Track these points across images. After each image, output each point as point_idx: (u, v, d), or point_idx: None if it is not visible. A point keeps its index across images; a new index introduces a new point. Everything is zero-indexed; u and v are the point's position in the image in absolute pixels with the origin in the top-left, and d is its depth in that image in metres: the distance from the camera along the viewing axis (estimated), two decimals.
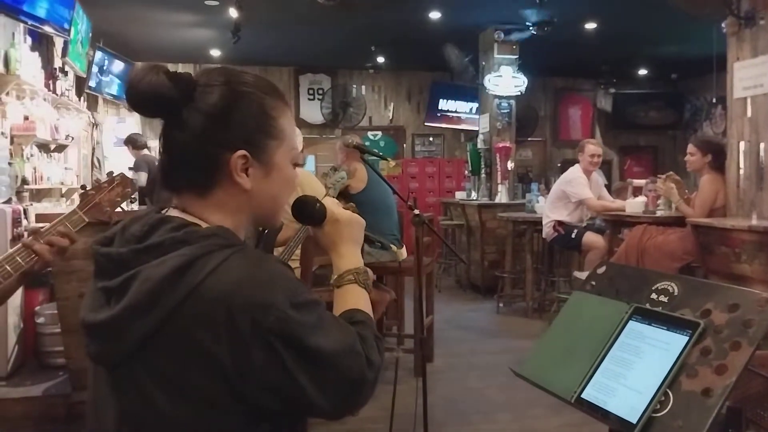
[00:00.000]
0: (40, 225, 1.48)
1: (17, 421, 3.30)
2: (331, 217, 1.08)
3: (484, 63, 7.23)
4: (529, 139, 9.72)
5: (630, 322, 1.23)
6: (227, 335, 0.80)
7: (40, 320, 3.92)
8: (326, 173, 3.19)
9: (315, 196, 1.10)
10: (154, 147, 6.86)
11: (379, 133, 9.67)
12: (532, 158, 9.97)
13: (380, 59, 8.29)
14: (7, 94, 4.59)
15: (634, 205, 4.63)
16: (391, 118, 9.78)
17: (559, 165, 9.67)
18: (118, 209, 1.64)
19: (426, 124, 9.67)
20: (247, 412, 0.83)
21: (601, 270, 1.44)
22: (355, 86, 9.48)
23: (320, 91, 9.39)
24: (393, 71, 9.27)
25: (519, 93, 7.12)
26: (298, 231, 2.87)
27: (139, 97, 0.88)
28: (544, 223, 5.23)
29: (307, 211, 1.08)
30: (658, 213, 4.43)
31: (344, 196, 3.54)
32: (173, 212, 0.92)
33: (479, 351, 4.68)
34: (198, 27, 6.88)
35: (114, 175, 1.66)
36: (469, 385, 3.95)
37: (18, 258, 1.43)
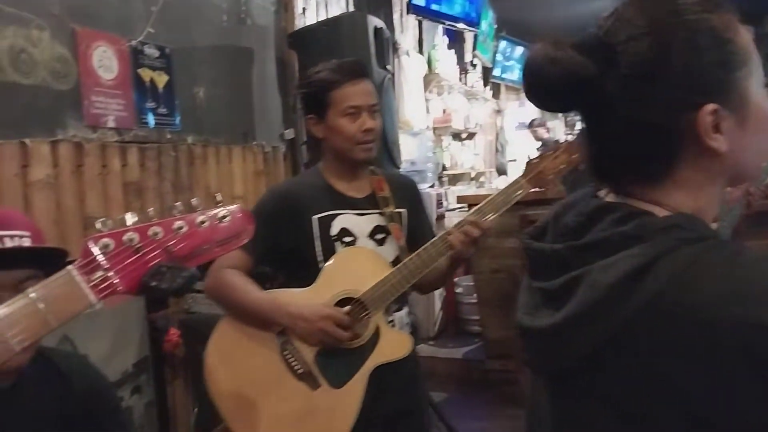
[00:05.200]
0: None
1: (442, 377, 3.76)
2: None
3: None
4: None
5: None
6: (705, 363, 0.60)
7: (459, 290, 4.38)
8: None
9: None
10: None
11: None
12: None
13: None
14: (430, 91, 5.25)
15: None
16: None
17: None
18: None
19: None
20: None
21: None
22: None
23: None
24: None
25: None
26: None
27: (545, 91, 0.71)
28: None
29: None
30: None
31: None
32: (613, 197, 0.73)
33: None
34: None
35: (560, 141, 1.64)
36: None
37: (432, 248, 1.54)
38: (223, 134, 2.80)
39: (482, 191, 5.75)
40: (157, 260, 0.68)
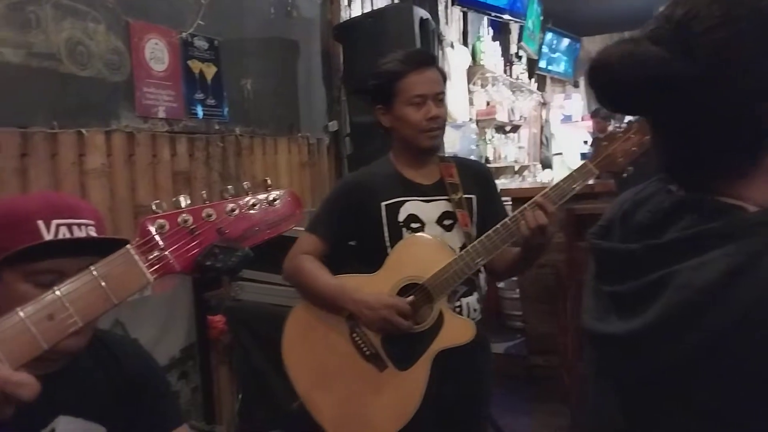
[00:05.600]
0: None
1: None
2: None
3: None
4: None
5: None
6: None
7: (501, 285, 4.33)
8: None
9: None
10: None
11: None
12: None
13: None
14: (474, 83, 5.20)
15: None
16: None
17: None
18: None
19: None
20: None
21: None
22: None
23: None
24: None
25: None
26: None
27: (624, 90, 0.65)
28: None
29: None
30: None
31: None
32: (683, 191, 0.68)
33: None
34: None
35: (632, 121, 1.49)
36: None
37: (494, 235, 1.51)
38: (269, 126, 2.84)
39: (525, 185, 5.67)
40: (211, 241, 0.70)
